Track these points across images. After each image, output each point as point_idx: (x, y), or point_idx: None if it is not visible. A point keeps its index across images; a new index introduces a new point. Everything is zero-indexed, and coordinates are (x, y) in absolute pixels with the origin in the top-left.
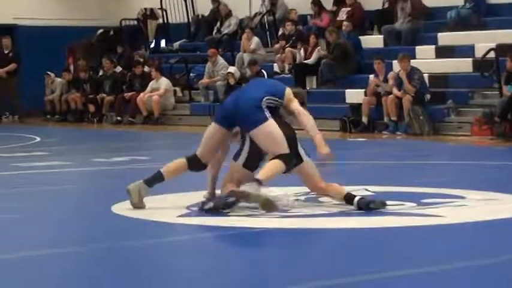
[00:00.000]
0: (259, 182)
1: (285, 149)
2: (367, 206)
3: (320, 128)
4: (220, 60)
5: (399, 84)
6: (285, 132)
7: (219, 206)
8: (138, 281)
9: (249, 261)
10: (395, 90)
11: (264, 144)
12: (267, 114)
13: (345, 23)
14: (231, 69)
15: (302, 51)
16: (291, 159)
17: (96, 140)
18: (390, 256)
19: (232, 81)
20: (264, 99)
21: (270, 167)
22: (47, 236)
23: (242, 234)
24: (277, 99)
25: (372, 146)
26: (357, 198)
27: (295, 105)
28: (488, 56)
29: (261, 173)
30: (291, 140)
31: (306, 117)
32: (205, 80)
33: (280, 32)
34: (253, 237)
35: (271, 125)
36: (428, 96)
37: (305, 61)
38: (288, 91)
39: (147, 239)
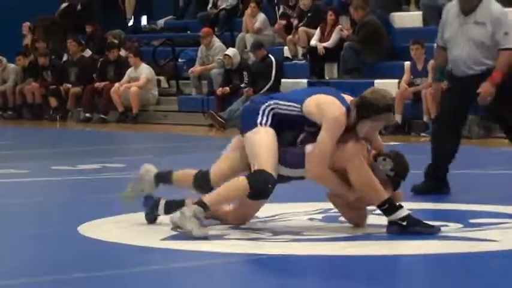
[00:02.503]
0: (203, 206)
1: (264, 165)
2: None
3: None
4: (216, 42)
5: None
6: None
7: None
8: None
9: None
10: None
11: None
12: (263, 119)
13: None
14: (229, 51)
15: (318, 31)
16: (266, 183)
17: (59, 142)
18: None
19: (229, 66)
20: (271, 102)
21: (223, 188)
22: (1, 264)
23: (242, 263)
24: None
25: (408, 151)
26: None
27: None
28: None
29: (209, 195)
30: None
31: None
32: (197, 68)
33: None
34: (254, 265)
35: (259, 132)
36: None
37: (323, 44)
38: (311, 101)
39: (124, 267)
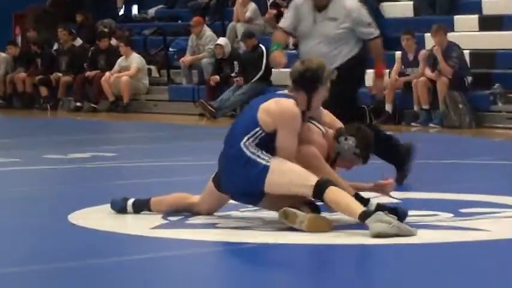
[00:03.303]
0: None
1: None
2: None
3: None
4: (207, 31)
5: (433, 63)
6: None
7: None
8: None
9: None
10: (428, 72)
11: None
12: (259, 156)
13: None
14: (221, 40)
15: None
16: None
17: (50, 131)
18: (415, 279)
19: (220, 55)
20: (241, 142)
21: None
22: None
23: (233, 251)
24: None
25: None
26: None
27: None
28: None
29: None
30: None
31: None
32: (187, 57)
33: None
34: (244, 254)
35: (273, 171)
36: (469, 79)
37: None
38: (261, 113)
39: (117, 256)
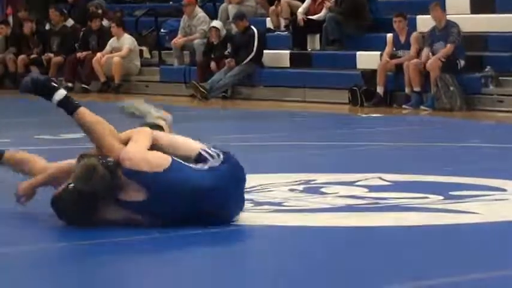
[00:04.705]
0: None
1: None
2: None
3: (325, 100)
4: (199, 12)
5: (432, 43)
6: None
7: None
8: None
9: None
10: (426, 52)
11: None
12: None
13: None
14: (215, 23)
15: (307, 3)
16: None
17: (41, 112)
18: (405, 262)
19: (215, 40)
20: None
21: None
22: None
23: (224, 233)
24: None
25: (389, 123)
26: None
27: None
28: None
29: None
30: None
31: None
32: (179, 39)
33: None
34: (235, 235)
35: None
36: (461, 62)
37: (310, 17)
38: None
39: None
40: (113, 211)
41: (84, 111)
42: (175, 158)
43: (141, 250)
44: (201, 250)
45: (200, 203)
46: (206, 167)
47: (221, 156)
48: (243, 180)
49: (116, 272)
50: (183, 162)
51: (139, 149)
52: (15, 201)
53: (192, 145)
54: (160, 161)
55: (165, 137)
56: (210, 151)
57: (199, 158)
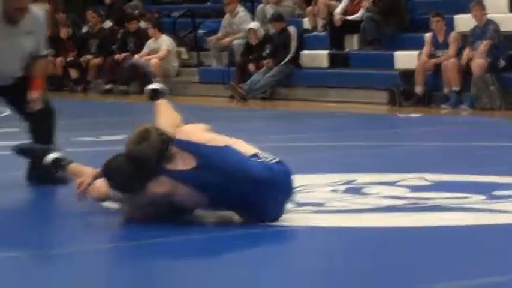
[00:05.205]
0: None
1: None
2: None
3: (363, 100)
4: (241, 10)
5: (473, 42)
6: None
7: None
8: None
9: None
10: (467, 51)
11: None
12: None
13: None
14: (253, 24)
15: (344, 2)
16: None
17: (81, 113)
18: (447, 262)
19: (253, 41)
20: None
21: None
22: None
23: (265, 234)
24: None
25: (429, 123)
26: None
27: None
28: None
29: None
30: None
31: None
32: (222, 38)
33: None
34: (277, 236)
35: None
36: (502, 61)
37: (348, 17)
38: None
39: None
40: (160, 183)
41: None
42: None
43: (186, 250)
44: (243, 251)
45: (247, 190)
46: (260, 161)
47: (275, 159)
48: (290, 188)
49: (169, 272)
50: (237, 150)
51: (195, 127)
52: (77, 198)
53: (248, 147)
54: (216, 139)
55: (222, 136)
56: (264, 155)
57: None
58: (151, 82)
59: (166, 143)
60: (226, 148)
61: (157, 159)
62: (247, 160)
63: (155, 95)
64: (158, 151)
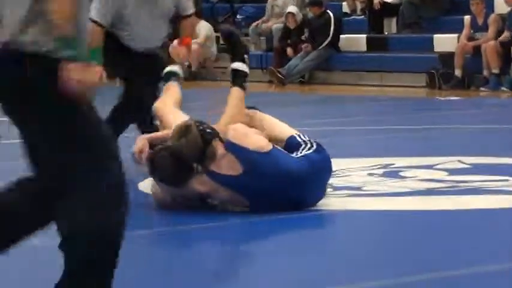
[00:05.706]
0: None
1: None
2: None
3: (402, 83)
4: None
5: (510, 26)
6: None
7: None
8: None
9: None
10: (506, 34)
11: None
12: None
13: None
14: (291, 8)
15: None
16: None
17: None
18: (490, 245)
19: (292, 25)
20: None
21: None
22: None
23: (303, 218)
24: None
25: (468, 106)
26: None
27: None
28: None
29: None
30: None
31: None
32: (266, 22)
33: None
34: (314, 220)
35: None
36: None
37: (387, 0)
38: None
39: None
40: (202, 182)
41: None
42: (275, 145)
43: (227, 235)
44: (281, 236)
45: (291, 189)
46: (300, 154)
47: (314, 145)
48: (330, 171)
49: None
50: (280, 148)
51: (243, 126)
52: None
53: (288, 128)
54: (263, 143)
55: (264, 115)
56: (304, 137)
57: (293, 142)
58: (243, 59)
59: (206, 141)
60: (272, 151)
61: (195, 156)
62: (289, 158)
63: (235, 76)
64: (196, 148)
